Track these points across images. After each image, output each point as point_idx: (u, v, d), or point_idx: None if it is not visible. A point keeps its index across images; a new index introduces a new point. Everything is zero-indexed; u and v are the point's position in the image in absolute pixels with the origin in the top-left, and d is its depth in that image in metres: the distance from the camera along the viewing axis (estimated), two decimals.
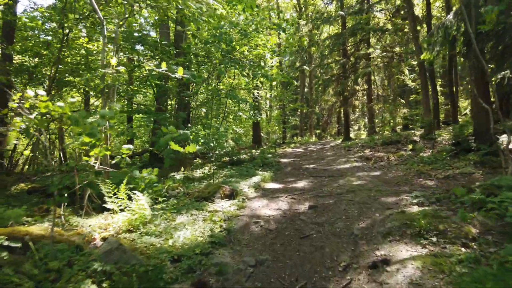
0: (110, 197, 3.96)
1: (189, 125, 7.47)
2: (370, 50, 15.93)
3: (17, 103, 2.66)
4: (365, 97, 19.83)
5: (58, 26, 8.36)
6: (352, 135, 19.39)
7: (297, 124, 25.18)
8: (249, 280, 2.90)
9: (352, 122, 24.83)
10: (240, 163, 9.81)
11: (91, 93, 10.35)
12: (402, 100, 17.05)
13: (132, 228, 3.73)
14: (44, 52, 9.04)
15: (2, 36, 8.35)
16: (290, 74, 18.82)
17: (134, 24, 9.35)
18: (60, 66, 9.02)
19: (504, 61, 5.78)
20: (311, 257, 3.29)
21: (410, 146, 9.57)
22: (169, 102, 10.97)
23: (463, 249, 2.85)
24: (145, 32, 9.54)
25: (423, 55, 6.81)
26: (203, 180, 7.08)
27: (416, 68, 14.13)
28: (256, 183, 6.62)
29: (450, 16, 5.98)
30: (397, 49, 15.98)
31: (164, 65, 5.38)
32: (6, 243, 2.51)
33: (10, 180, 6.90)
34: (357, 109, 24.35)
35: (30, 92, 2.39)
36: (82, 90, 11.22)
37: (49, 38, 9.27)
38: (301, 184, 6.86)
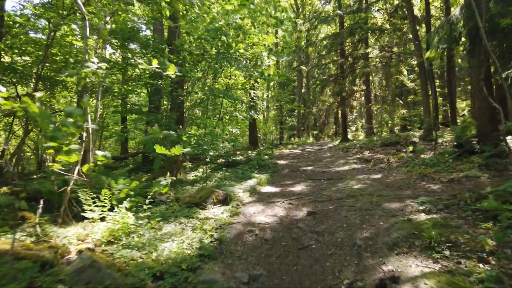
0: (90, 205, 3.61)
1: (180, 126, 7.11)
2: (369, 49, 15.70)
3: None
4: (363, 98, 19.60)
5: (46, 21, 7.99)
6: (349, 136, 19.14)
7: (294, 125, 24.91)
8: None
9: (349, 123, 24.58)
10: (236, 165, 9.50)
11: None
12: (400, 101, 16.85)
13: (113, 239, 3.39)
14: (32, 50, 8.66)
15: None
16: (288, 74, 18.51)
17: (128, 23, 9.01)
18: (48, 64, 8.66)
19: (511, 59, 5.52)
20: (310, 272, 2.97)
21: (411, 148, 9.30)
22: (164, 102, 10.62)
23: (481, 265, 2.55)
24: (138, 29, 9.17)
25: (427, 53, 6.53)
26: (196, 184, 6.75)
27: (416, 68, 13.91)
28: (251, 187, 6.29)
29: (456, 12, 5.70)
30: (395, 49, 15.76)
31: (155, 62, 5.04)
32: None
33: None
34: (354, 110, 24.14)
35: None
36: (73, 90, 10.84)
37: (39, 36, 8.90)
38: (298, 187, 6.55)
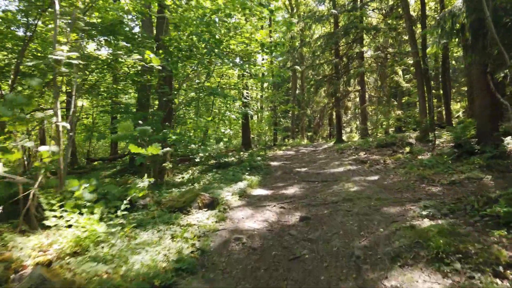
0: (55, 210, 3.18)
1: (167, 123, 6.69)
2: (364, 48, 15.48)
3: None
4: (358, 99, 19.39)
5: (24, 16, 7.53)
6: (344, 137, 18.88)
7: (288, 126, 24.59)
8: None
9: (344, 124, 24.36)
10: (227, 166, 9.11)
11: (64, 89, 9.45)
12: (395, 102, 16.67)
13: (79, 250, 2.98)
14: (10, 45, 8.18)
15: None
16: (281, 73, 18.20)
17: (111, 14, 8.55)
18: (28, 59, 8.18)
19: None
20: None
21: (407, 149, 9.03)
22: (155, 102, 10.18)
23: (498, 281, 2.21)
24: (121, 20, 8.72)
25: (429, 49, 6.25)
26: (183, 186, 6.34)
27: (412, 68, 13.71)
28: (241, 190, 5.92)
29: (458, 3, 5.41)
30: (390, 49, 15.58)
31: (135, 55, 4.63)
32: None
33: None
34: (349, 111, 23.95)
35: None
36: (42, 83, 10.30)
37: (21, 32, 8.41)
38: (291, 190, 6.19)
